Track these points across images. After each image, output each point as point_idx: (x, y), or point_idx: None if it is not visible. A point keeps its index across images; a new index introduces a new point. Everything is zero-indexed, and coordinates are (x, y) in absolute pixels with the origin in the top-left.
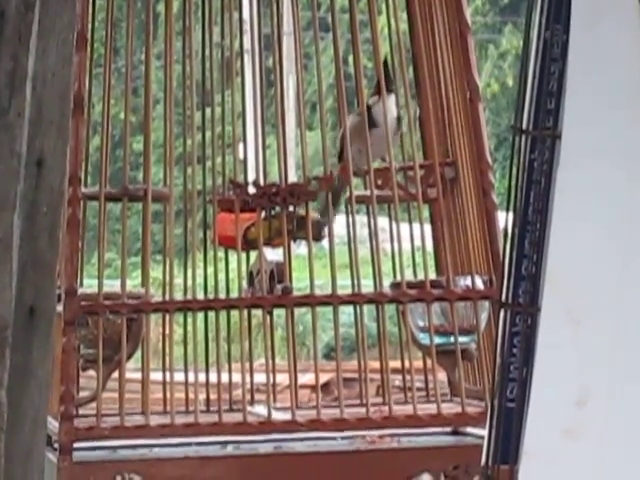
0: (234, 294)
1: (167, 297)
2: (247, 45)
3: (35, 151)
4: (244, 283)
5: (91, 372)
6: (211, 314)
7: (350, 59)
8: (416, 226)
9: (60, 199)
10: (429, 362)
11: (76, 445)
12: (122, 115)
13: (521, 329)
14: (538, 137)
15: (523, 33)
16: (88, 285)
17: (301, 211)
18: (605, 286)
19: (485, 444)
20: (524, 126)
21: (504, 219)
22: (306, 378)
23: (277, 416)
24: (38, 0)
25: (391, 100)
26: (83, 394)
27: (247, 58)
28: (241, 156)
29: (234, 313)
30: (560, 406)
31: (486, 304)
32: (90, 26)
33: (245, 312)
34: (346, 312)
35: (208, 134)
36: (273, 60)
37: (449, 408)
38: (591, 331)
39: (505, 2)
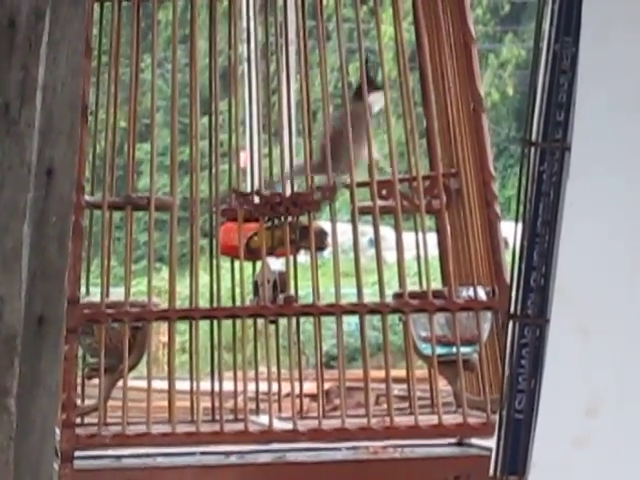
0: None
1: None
2: (248, 53)
3: (45, 161)
4: (250, 293)
5: (96, 381)
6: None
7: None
8: (421, 236)
9: (69, 208)
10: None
11: (80, 454)
12: (122, 123)
13: (530, 340)
14: (547, 149)
15: (532, 45)
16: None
17: (304, 220)
18: (614, 297)
19: (493, 455)
20: (533, 138)
21: (505, 228)
22: (304, 387)
23: (279, 425)
24: (49, 10)
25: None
26: (88, 403)
27: (247, 66)
28: (243, 165)
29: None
30: (570, 416)
31: (488, 314)
32: (98, 35)
33: (248, 321)
34: (344, 321)
35: (210, 142)
36: (277, 68)
37: (453, 419)
38: (600, 341)
39: (506, 12)
